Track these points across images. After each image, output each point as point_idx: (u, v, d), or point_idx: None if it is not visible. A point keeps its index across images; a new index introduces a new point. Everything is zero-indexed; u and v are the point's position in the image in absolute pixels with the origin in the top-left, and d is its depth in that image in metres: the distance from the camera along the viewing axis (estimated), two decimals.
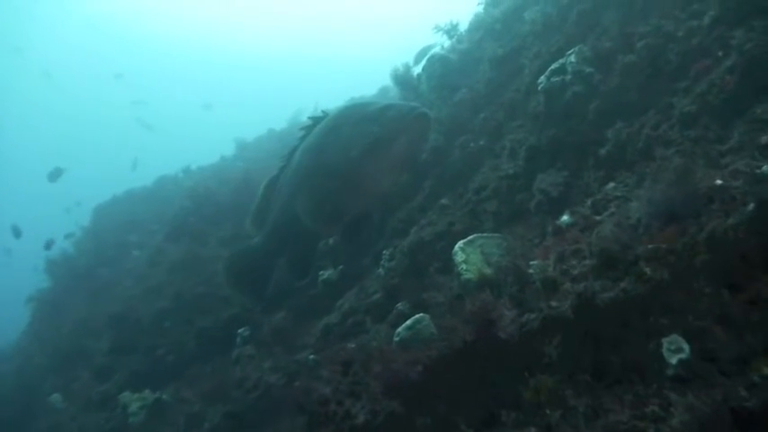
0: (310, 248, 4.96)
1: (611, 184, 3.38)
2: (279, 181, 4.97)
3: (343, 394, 3.21)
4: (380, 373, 3.09)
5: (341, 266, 6.09)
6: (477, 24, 6.37)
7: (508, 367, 2.93)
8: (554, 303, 2.85)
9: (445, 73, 5.94)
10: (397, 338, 3.91)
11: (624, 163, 3.41)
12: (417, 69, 6.64)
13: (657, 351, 2.51)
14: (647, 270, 2.59)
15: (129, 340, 8.21)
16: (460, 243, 3.90)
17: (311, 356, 5.46)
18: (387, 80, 12.13)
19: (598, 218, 3.22)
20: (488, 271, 3.74)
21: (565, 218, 3.52)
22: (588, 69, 3.75)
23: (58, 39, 51.65)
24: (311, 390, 3.36)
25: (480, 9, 6.56)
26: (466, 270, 3.68)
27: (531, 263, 3.16)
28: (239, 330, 6.66)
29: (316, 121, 4.64)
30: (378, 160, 3.84)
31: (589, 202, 3.41)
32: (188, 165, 17.92)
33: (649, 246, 2.61)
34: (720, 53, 3.11)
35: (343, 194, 3.99)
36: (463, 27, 6.68)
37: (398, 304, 4.57)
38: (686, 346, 2.44)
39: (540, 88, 3.98)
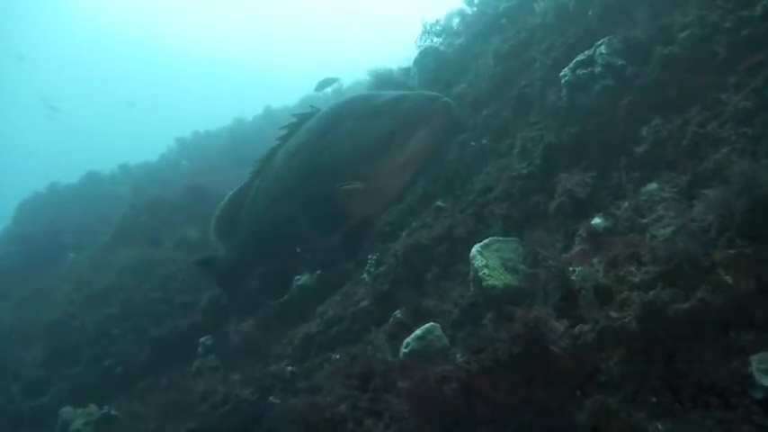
0: (292, 263, 4.38)
1: (653, 185, 3.11)
2: (253, 187, 4.27)
3: (362, 412, 2.80)
4: (409, 390, 2.69)
5: (318, 271, 5.65)
6: (476, 18, 6.08)
7: (558, 385, 2.60)
8: (613, 314, 2.53)
9: (439, 67, 5.61)
10: (406, 350, 3.53)
11: (665, 163, 3.15)
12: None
13: (742, 370, 2.24)
14: (728, 278, 2.31)
15: (68, 350, 7.47)
16: (477, 246, 3.56)
17: (289, 368, 5.01)
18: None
19: (644, 221, 2.93)
20: (510, 277, 3.42)
21: (597, 220, 3.24)
22: (620, 62, 3.49)
23: None
24: (321, 406, 2.93)
25: (466, 7, 6.27)
26: (488, 276, 3.34)
27: (574, 269, 2.85)
28: (201, 339, 6.10)
29: (302, 117, 4.03)
30: (391, 159, 3.32)
31: (627, 203, 3.14)
32: (125, 162, 17.09)
33: (731, 251, 2.33)
34: None
35: (348, 199, 3.44)
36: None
37: (396, 312, 4.18)
38: None
39: (563, 82, 3.70)
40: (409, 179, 3.53)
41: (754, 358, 2.20)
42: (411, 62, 6.04)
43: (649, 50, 3.42)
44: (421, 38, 6.25)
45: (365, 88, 6.97)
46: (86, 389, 6.82)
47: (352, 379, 2.94)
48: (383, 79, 5.92)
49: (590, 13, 3.99)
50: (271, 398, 4.83)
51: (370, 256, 5.06)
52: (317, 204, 3.55)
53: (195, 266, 4.87)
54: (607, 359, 2.52)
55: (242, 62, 53.38)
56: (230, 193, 4.25)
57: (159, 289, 6.98)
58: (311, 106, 4.06)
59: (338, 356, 4.62)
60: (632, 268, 2.63)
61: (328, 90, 11.90)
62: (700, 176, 2.87)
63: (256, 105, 16.05)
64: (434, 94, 3.35)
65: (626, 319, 2.48)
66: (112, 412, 6.10)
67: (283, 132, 4.08)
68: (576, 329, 2.62)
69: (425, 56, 5.81)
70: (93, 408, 6.17)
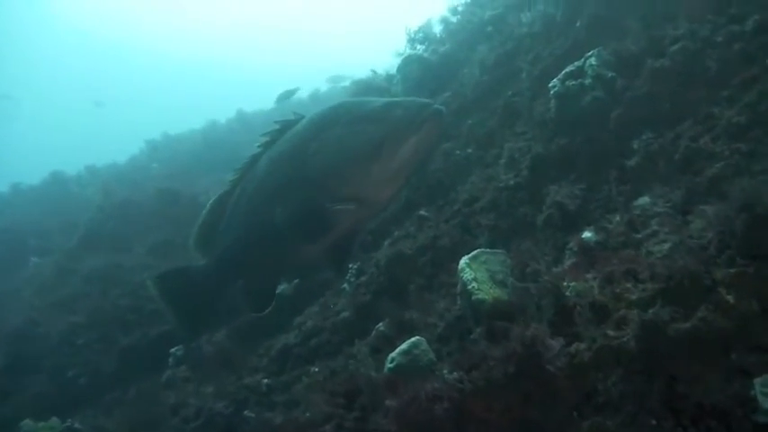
0: (276, 274, 4.21)
1: (645, 199, 3.07)
2: (234, 196, 4.09)
3: None
4: (398, 410, 2.59)
5: (296, 280, 5.51)
6: (460, 26, 6.03)
7: (554, 406, 2.52)
8: (610, 332, 2.47)
9: (423, 75, 5.54)
10: (391, 364, 3.41)
11: (657, 177, 3.11)
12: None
13: (744, 393, 2.19)
14: (730, 298, 2.26)
15: (30, 359, 7.17)
16: (465, 259, 3.47)
17: (265, 381, 4.86)
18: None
19: (638, 236, 2.88)
20: (500, 291, 3.34)
21: (587, 234, 3.18)
22: (610, 74, 3.46)
23: None
24: (302, 424, 2.80)
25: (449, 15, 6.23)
26: (477, 289, 3.25)
27: (568, 284, 2.79)
28: (172, 350, 5.89)
29: (285, 124, 3.87)
30: (381, 168, 3.20)
31: (618, 217, 3.09)
32: (92, 163, 16.73)
33: (732, 270, 2.28)
34: None
35: (336, 210, 3.30)
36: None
37: (380, 324, 4.07)
38: None
39: (552, 92, 3.65)
40: (399, 189, 3.43)
41: (757, 381, 2.15)
42: (394, 69, 5.97)
43: (640, 63, 3.39)
44: (406, 45, 6.19)
45: (345, 95, 6.87)
46: (48, 400, 6.53)
47: (337, 397, 2.82)
48: (364, 86, 5.82)
49: (578, 24, 3.96)
50: (246, 412, 4.67)
51: (350, 266, 4.95)
52: (302, 214, 3.42)
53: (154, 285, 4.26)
54: (605, 379, 2.45)
55: (215, 64, 52.92)
56: (211, 200, 4.09)
57: (128, 296, 6.75)
58: (294, 113, 3.92)
59: (317, 369, 4.49)
60: (629, 285, 2.57)
61: (304, 96, 11.75)
62: (694, 192, 2.83)
63: (229, 108, 15.91)
64: (426, 100, 3.26)
65: (624, 338, 2.41)
66: (76, 425, 5.84)
67: (265, 139, 3.92)
68: (573, 348, 2.55)
69: (409, 63, 5.72)
70: (55, 421, 5.90)
